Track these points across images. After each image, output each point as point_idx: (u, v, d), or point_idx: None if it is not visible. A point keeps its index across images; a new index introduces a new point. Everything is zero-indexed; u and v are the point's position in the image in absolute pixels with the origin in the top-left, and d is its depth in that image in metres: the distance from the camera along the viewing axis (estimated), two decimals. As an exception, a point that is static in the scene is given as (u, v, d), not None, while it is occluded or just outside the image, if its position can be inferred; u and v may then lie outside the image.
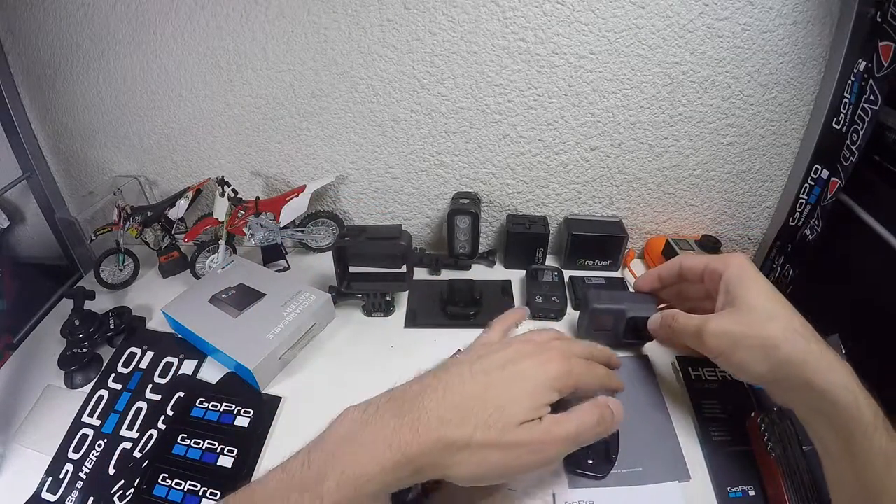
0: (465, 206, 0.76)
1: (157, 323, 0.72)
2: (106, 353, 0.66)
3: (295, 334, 0.64)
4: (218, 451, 0.54)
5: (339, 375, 0.63)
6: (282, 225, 0.79)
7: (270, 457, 0.54)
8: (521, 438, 0.38)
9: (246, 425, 0.57)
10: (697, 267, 0.54)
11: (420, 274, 0.81)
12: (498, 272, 0.83)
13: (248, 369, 0.58)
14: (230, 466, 0.53)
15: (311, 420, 0.57)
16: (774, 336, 0.43)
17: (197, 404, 0.59)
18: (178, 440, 0.55)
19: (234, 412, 0.58)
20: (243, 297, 0.69)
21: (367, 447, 0.36)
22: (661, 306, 0.61)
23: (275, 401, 0.59)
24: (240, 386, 0.61)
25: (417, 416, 0.37)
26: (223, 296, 0.69)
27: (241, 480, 0.51)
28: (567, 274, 0.79)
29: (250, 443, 0.55)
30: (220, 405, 0.59)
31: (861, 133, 0.61)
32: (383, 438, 0.36)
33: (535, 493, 0.50)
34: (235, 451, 0.54)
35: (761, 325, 0.44)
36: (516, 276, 0.80)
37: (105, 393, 0.61)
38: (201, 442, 0.55)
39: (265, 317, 0.65)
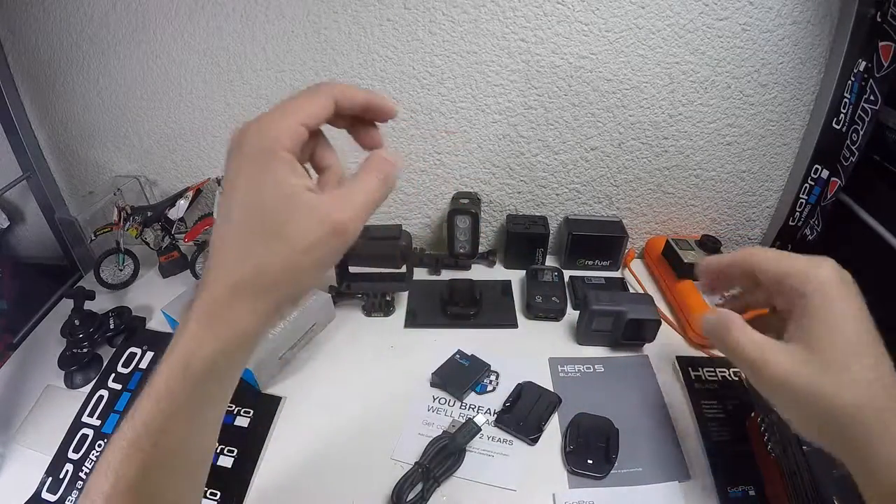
0: (465, 206, 0.76)
1: (157, 323, 0.72)
2: (106, 353, 0.66)
3: (295, 334, 0.64)
4: (218, 451, 0.54)
5: (339, 375, 0.63)
6: (282, 225, 0.78)
7: (271, 457, 0.54)
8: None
9: (246, 425, 0.57)
10: (774, 271, 0.40)
11: (420, 274, 0.81)
12: (498, 272, 0.83)
13: (249, 369, 0.58)
14: (230, 466, 0.53)
15: (310, 419, 0.58)
16: (853, 405, 0.32)
17: None
18: (178, 440, 0.55)
19: (235, 412, 0.58)
20: None
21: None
22: (729, 293, 0.49)
23: (275, 401, 0.59)
24: (240, 386, 0.60)
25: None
26: None
27: (241, 480, 0.51)
28: (567, 274, 0.79)
29: (250, 443, 0.55)
30: None
31: (861, 133, 0.61)
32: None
33: (536, 493, 0.50)
34: (235, 451, 0.54)
35: (840, 388, 0.33)
36: (516, 276, 0.80)
37: (105, 393, 0.61)
38: None
39: None
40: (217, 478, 0.52)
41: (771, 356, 0.36)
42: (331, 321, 0.71)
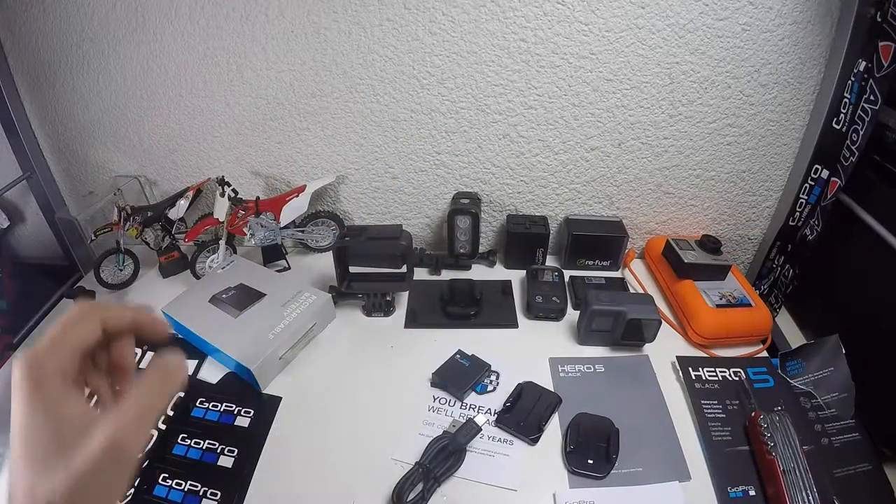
0: (465, 206, 0.76)
1: (157, 323, 0.72)
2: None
3: (295, 334, 0.64)
4: (218, 451, 0.54)
5: (339, 375, 0.63)
6: (282, 225, 0.79)
7: (270, 457, 0.54)
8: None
9: (246, 425, 0.57)
10: None
11: (420, 274, 0.81)
12: (498, 272, 0.83)
13: (249, 369, 0.58)
14: (230, 466, 0.53)
15: (310, 419, 0.58)
16: None
17: (197, 404, 0.59)
18: (179, 440, 0.55)
19: (235, 412, 0.58)
20: (244, 297, 0.69)
21: None
22: None
23: (275, 401, 0.59)
24: (240, 386, 0.61)
25: None
26: (223, 296, 0.69)
27: (241, 479, 0.51)
28: (567, 274, 0.79)
29: (251, 442, 0.55)
30: (220, 405, 0.59)
31: (861, 133, 0.61)
32: None
33: (536, 493, 0.50)
34: (236, 451, 0.54)
35: None
36: (516, 276, 0.80)
37: (105, 393, 0.61)
38: (201, 442, 0.55)
39: (266, 316, 0.65)
40: (217, 478, 0.52)
41: None
42: (331, 321, 0.71)
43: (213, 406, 0.59)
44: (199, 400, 0.59)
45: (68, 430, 0.27)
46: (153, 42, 0.72)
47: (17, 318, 0.74)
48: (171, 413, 0.58)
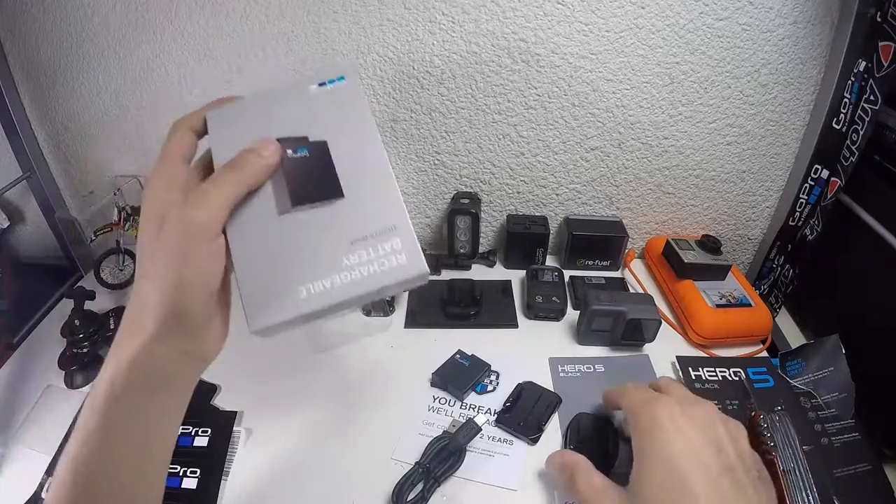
0: (465, 206, 0.76)
1: (157, 323, 0.72)
2: (106, 353, 0.66)
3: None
4: (180, 473, 0.52)
5: (339, 375, 0.63)
6: (282, 225, 0.78)
7: (271, 456, 0.54)
8: None
9: (205, 444, 0.54)
10: (625, 409, 0.43)
11: (420, 274, 0.81)
12: (498, 272, 0.83)
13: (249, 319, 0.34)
14: (195, 487, 0.51)
15: (311, 419, 0.58)
16: None
17: None
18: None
19: (192, 433, 0.55)
20: (312, 179, 0.36)
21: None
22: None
23: (230, 416, 0.57)
24: (197, 405, 0.55)
25: None
26: (289, 151, 0.36)
27: (208, 500, 0.50)
28: (567, 274, 0.79)
29: (213, 460, 0.53)
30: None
31: (861, 133, 0.61)
32: None
33: (536, 493, 0.50)
34: (198, 471, 0.52)
35: None
36: (516, 276, 0.80)
37: (105, 393, 0.61)
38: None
39: (317, 245, 0.34)
40: (183, 500, 0.50)
41: (605, 501, 0.38)
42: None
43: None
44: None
45: (167, 215, 0.31)
46: (153, 42, 0.72)
47: (17, 318, 0.74)
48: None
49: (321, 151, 0.37)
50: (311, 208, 0.35)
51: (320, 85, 0.40)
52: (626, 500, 0.37)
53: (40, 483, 0.52)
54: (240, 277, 0.34)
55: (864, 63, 0.60)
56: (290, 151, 0.36)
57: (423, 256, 0.34)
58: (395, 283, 0.33)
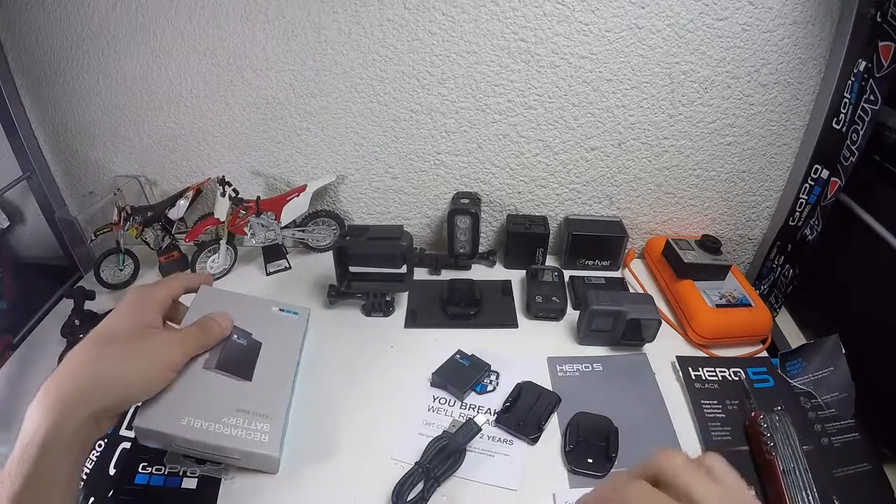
0: (465, 206, 0.76)
1: (157, 323, 0.72)
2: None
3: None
4: (180, 473, 0.51)
5: (338, 375, 0.63)
6: (283, 225, 0.79)
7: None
8: None
9: (194, 487, 0.51)
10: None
11: (420, 274, 0.81)
12: (498, 272, 0.83)
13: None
14: (195, 487, 0.50)
15: (310, 419, 0.58)
16: None
17: (140, 470, 0.52)
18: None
19: (180, 473, 0.52)
20: (239, 359, 0.53)
21: None
22: None
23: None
24: None
25: None
26: (236, 336, 0.54)
27: (208, 500, 0.49)
28: (567, 274, 0.79)
29: (203, 501, 0.50)
30: (164, 468, 0.52)
31: (861, 133, 0.61)
32: None
33: (536, 493, 0.50)
34: (198, 470, 0.51)
35: None
36: (516, 276, 0.80)
37: (105, 393, 0.61)
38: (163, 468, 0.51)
39: (215, 398, 0.49)
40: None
41: None
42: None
43: (156, 470, 0.52)
44: (142, 465, 0.52)
45: (149, 335, 0.46)
46: (153, 42, 0.72)
47: (17, 318, 0.74)
48: (112, 473, 0.52)
49: (254, 347, 0.55)
50: (225, 375, 0.50)
51: (280, 310, 0.61)
52: None
53: (40, 483, 0.52)
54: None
55: (864, 63, 0.60)
56: (235, 336, 0.53)
57: (279, 447, 0.49)
58: (248, 451, 0.48)
